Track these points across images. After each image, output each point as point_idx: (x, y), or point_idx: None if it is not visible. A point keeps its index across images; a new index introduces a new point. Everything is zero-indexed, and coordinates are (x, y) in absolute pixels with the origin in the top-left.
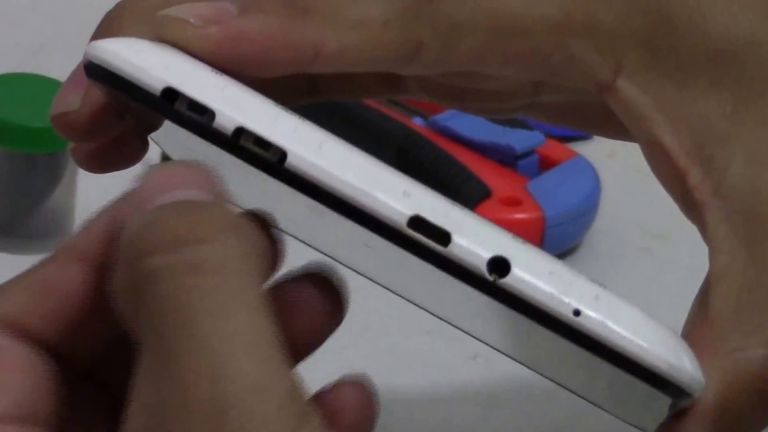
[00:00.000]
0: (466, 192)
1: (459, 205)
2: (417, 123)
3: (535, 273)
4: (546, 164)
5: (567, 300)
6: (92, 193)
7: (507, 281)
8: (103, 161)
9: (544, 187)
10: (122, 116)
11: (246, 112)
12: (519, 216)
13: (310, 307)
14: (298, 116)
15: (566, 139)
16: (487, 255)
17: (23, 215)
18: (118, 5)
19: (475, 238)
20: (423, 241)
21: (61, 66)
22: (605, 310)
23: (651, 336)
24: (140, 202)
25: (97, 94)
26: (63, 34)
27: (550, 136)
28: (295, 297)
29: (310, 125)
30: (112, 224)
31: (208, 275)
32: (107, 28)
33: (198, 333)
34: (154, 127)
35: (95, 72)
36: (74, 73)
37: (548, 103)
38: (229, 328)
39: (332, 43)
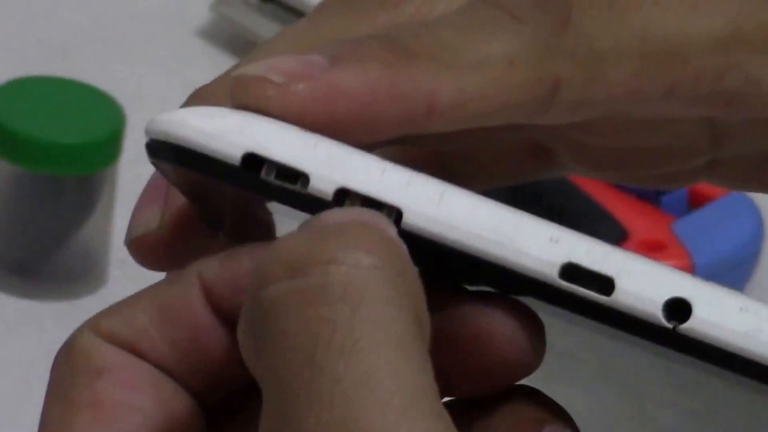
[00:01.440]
0: (598, 234)
1: (618, 247)
2: None
3: (721, 312)
4: (696, 200)
5: (766, 338)
6: None
7: (690, 326)
8: None
9: (693, 229)
10: (215, 229)
11: (346, 170)
12: None
13: (504, 338)
14: (407, 168)
15: None
16: (662, 298)
17: (47, 252)
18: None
19: (643, 280)
20: (581, 292)
21: (91, 68)
22: None
23: None
24: None
25: (178, 206)
26: (92, 30)
27: None
28: (481, 323)
29: (424, 176)
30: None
31: (337, 304)
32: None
33: (324, 377)
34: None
35: (158, 150)
36: (148, 186)
37: (733, 160)
38: (362, 370)
39: (449, 92)
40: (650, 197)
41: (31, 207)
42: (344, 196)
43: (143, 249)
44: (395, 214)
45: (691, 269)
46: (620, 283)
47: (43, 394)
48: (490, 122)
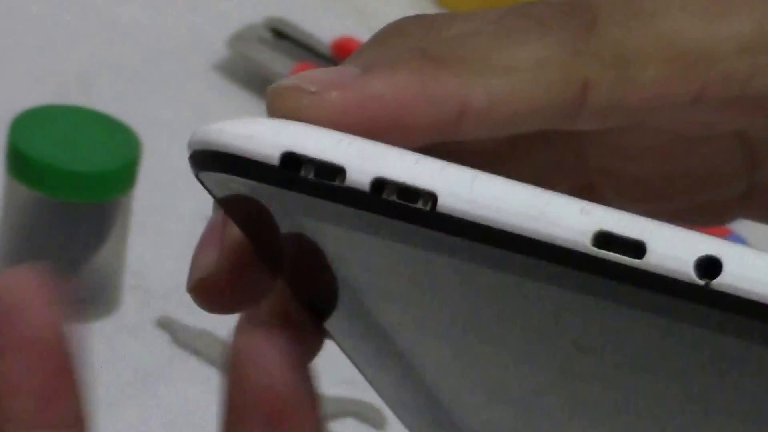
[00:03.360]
0: None
1: (646, 216)
2: None
3: (751, 265)
4: None
5: None
6: (146, 252)
7: (721, 281)
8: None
9: None
10: (273, 270)
11: (381, 161)
12: None
13: None
14: (439, 159)
15: None
16: (693, 257)
17: (61, 277)
18: None
19: (673, 242)
20: (614, 258)
21: (108, 97)
22: None
23: None
24: None
25: (234, 247)
26: (110, 60)
27: None
28: None
29: (456, 164)
30: None
31: None
32: None
33: None
34: (319, 299)
35: (200, 160)
36: (205, 231)
37: None
38: None
39: (479, 97)
40: None
41: (47, 232)
42: (381, 186)
43: (203, 292)
44: (431, 200)
45: None
46: (651, 246)
47: None
48: (522, 128)
